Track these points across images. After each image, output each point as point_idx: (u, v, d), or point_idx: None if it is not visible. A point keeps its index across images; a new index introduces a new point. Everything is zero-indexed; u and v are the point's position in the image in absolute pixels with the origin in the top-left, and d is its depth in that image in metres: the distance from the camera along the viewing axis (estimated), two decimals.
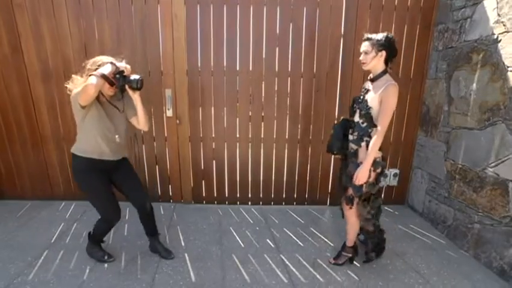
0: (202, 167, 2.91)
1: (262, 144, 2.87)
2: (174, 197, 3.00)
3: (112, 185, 1.96)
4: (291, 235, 2.49)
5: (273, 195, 3.00)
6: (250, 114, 2.80)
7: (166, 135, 2.83)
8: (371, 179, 1.81)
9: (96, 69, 1.67)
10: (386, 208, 2.98)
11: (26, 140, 2.86)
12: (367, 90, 1.85)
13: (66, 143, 2.84)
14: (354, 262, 2.12)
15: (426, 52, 2.73)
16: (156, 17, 2.61)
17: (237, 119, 2.82)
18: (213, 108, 2.78)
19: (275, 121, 2.82)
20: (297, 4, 2.61)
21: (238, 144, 2.87)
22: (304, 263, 2.13)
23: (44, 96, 2.79)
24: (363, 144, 1.82)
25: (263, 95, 2.77)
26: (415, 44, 2.72)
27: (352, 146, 1.88)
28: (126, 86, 1.77)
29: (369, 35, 1.79)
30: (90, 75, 1.62)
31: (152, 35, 2.64)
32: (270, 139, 2.87)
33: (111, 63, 1.71)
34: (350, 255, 2.10)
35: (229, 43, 2.66)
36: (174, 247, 2.25)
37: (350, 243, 2.09)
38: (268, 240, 2.38)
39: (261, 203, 3.03)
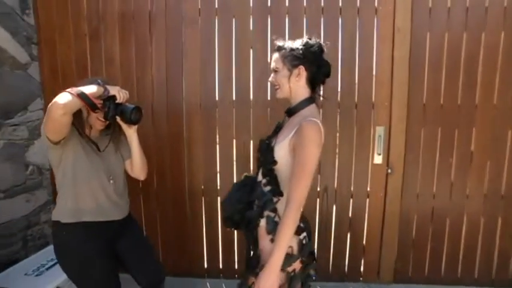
0: (414, 234, 1.96)
1: (502, 201, 1.91)
2: (366, 275, 2.01)
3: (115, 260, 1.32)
4: None
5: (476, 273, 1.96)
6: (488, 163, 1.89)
7: (369, 189, 1.91)
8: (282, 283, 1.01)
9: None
10: None
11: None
12: (280, 129, 1.13)
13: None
14: None
15: None
16: (371, 30, 1.81)
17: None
18: (438, 154, 1.88)
19: None
20: None
21: (465, 203, 1.92)
22: None
23: (202, 137, 1.95)
24: (262, 222, 1.06)
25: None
26: None
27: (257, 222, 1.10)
28: (118, 118, 1.22)
29: (280, 43, 1.10)
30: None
31: (364, 53, 1.82)
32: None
33: (99, 84, 1.17)
34: None
35: (468, 66, 1.81)
36: None
37: None
38: None
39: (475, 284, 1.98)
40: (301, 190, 0.96)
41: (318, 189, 1.93)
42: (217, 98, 1.93)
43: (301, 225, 1.05)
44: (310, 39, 1.08)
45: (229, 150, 1.97)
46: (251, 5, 1.85)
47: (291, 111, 1.09)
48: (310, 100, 1.08)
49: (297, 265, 1.03)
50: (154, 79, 1.92)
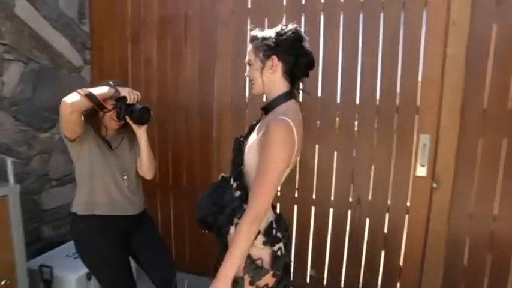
0: (466, 261, 1.67)
1: None
2: None
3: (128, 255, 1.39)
4: None
5: None
6: None
7: (409, 204, 1.69)
8: None
9: None
10: None
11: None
12: (253, 127, 1.01)
13: None
14: None
15: None
16: (419, 25, 1.59)
17: None
18: (501, 168, 1.57)
19: None
20: None
21: None
22: None
23: (231, 137, 1.92)
24: (232, 230, 0.95)
25: None
26: None
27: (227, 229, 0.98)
28: (127, 118, 1.28)
29: (254, 32, 0.97)
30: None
31: (409, 51, 1.61)
32: None
33: (110, 85, 1.24)
34: None
35: None
36: None
37: None
38: None
39: None
40: (261, 197, 0.85)
41: (350, 199, 1.76)
42: (247, 99, 1.91)
43: (278, 235, 0.96)
44: (286, 25, 0.95)
45: None
46: (284, 3, 1.77)
47: (266, 108, 0.98)
48: (288, 95, 0.95)
49: (269, 279, 0.92)
50: (188, 79, 1.97)
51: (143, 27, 1.98)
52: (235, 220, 0.94)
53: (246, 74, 1.03)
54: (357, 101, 1.70)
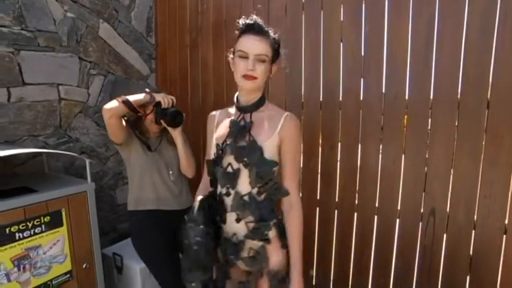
0: None
1: None
2: None
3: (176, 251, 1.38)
4: None
5: None
6: None
7: (507, 221, 1.33)
8: None
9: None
10: None
11: None
12: (242, 128, 0.95)
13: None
14: None
15: None
16: None
17: None
18: None
19: None
20: None
21: None
22: None
23: None
24: (271, 234, 0.92)
25: None
26: None
27: (250, 245, 0.93)
28: (162, 121, 1.35)
29: (262, 24, 0.93)
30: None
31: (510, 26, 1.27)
32: None
33: (146, 92, 1.34)
34: None
35: None
36: None
37: None
38: None
39: None
40: (298, 189, 0.92)
41: (422, 210, 1.49)
42: (302, 99, 1.79)
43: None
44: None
45: (312, 155, 1.79)
46: None
47: (250, 108, 1.00)
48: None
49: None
50: None
51: (200, 33, 2.05)
52: (272, 222, 0.94)
53: (251, 67, 0.94)
54: (431, 96, 1.42)
